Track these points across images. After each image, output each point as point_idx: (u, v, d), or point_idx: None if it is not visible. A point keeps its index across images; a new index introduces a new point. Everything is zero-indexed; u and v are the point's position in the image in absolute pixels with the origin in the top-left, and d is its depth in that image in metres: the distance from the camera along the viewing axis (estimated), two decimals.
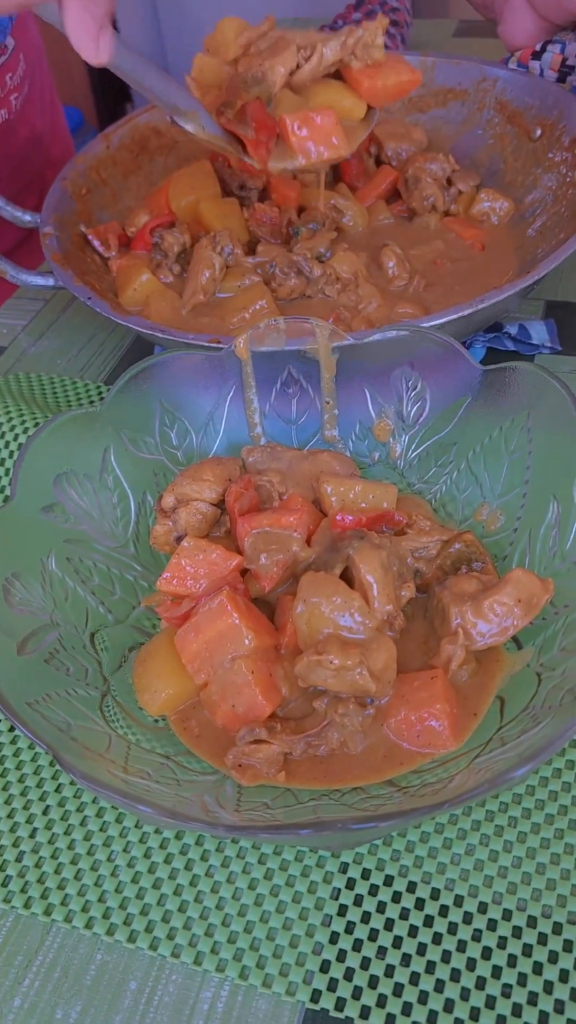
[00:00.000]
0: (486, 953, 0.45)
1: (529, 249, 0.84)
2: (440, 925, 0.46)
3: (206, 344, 0.67)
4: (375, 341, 0.63)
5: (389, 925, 0.46)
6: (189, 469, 0.60)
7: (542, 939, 0.45)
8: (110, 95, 3.01)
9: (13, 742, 0.56)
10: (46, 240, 0.79)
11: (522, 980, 0.44)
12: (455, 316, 0.67)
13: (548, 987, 0.43)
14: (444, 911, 0.46)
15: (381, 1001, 0.44)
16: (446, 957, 0.45)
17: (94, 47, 0.60)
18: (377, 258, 0.83)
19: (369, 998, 0.44)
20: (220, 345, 0.66)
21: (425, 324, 0.65)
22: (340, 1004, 0.44)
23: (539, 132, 0.93)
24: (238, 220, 0.85)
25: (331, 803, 0.49)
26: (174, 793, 0.47)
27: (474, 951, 0.45)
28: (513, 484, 0.60)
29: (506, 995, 0.43)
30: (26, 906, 0.49)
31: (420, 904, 0.47)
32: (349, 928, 0.46)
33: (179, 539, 0.59)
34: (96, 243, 0.85)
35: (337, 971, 0.45)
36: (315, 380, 0.66)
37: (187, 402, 0.65)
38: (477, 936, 0.45)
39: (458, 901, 0.47)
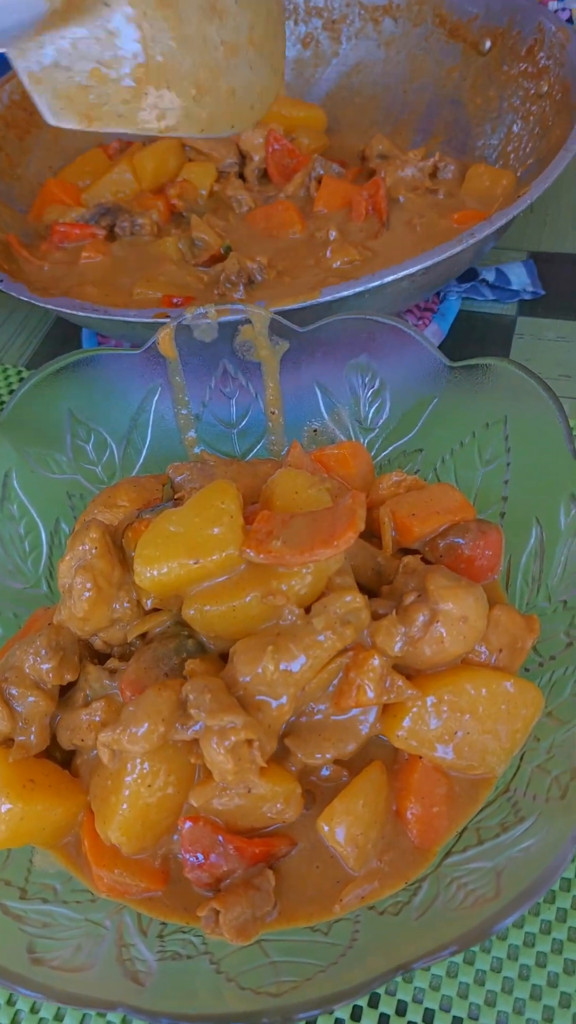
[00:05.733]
0: None
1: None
2: None
3: (149, 320, 0.58)
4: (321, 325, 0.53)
5: None
6: (102, 494, 0.51)
7: None
8: None
9: None
10: None
11: None
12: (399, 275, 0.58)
13: None
14: None
15: None
16: None
17: None
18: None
19: None
20: (167, 320, 0.55)
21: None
22: None
23: (489, 44, 0.80)
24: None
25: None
26: (84, 919, 0.39)
27: None
28: (489, 500, 0.51)
29: None
30: None
31: None
32: None
33: None
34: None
35: None
36: (256, 376, 0.55)
37: (104, 410, 0.55)
38: None
39: None
